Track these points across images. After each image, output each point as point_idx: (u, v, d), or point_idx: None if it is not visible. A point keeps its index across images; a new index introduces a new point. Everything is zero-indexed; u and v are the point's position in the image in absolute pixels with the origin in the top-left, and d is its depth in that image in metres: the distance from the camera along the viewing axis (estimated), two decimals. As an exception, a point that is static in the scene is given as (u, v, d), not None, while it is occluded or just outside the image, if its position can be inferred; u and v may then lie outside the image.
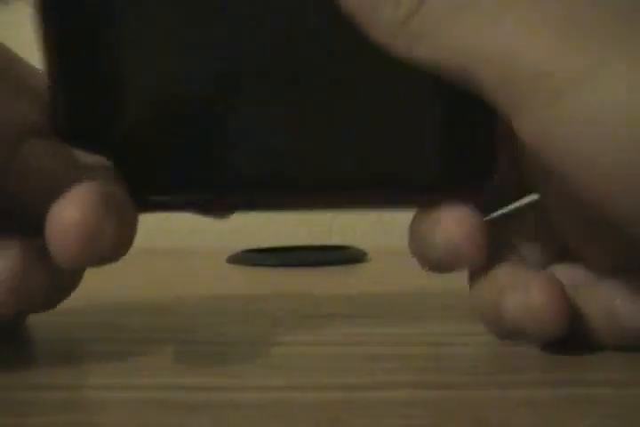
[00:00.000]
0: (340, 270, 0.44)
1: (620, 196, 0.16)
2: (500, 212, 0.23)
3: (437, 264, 0.20)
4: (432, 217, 0.20)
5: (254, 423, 0.15)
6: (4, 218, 0.19)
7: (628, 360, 0.20)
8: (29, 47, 0.21)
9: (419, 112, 0.20)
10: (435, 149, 0.20)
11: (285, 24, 0.20)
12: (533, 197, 0.23)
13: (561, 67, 0.16)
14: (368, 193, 0.21)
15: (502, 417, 0.15)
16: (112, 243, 0.18)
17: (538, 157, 0.17)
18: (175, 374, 0.18)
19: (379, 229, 0.62)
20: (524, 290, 0.19)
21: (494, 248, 0.21)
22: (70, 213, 0.17)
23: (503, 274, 0.20)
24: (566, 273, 0.21)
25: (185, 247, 0.60)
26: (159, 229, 0.58)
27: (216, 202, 0.21)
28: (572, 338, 0.20)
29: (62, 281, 0.20)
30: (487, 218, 0.22)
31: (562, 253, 0.22)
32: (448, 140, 0.20)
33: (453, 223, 0.20)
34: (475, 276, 0.21)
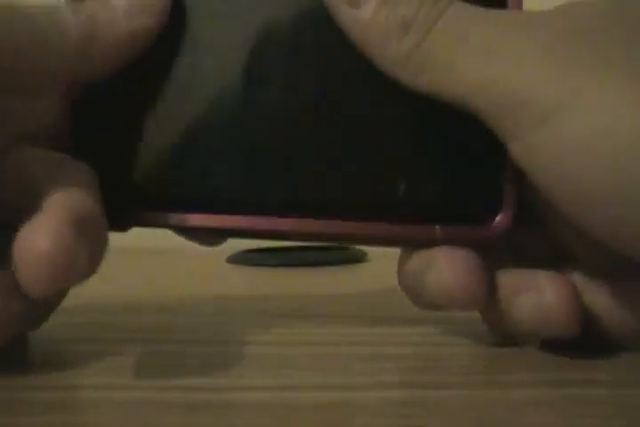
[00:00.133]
0: (340, 270, 0.44)
1: (606, 220, 0.17)
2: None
3: (430, 305, 0.20)
4: (422, 255, 0.20)
5: (254, 423, 0.15)
6: None
7: (627, 360, 0.20)
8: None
9: (433, 155, 0.20)
10: (447, 186, 0.20)
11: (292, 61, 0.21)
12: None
13: (545, 94, 0.17)
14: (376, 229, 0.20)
15: (502, 417, 0.15)
16: (84, 268, 0.17)
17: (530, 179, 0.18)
18: (175, 374, 0.18)
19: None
20: (536, 291, 0.19)
21: (498, 250, 0.21)
22: (39, 242, 0.16)
23: (514, 275, 0.20)
24: (570, 275, 0.21)
25: (185, 247, 0.60)
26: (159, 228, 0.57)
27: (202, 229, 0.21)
28: (578, 338, 0.20)
29: (42, 305, 0.19)
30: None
31: (563, 255, 0.22)
32: (461, 179, 0.20)
33: (446, 267, 0.19)
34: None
